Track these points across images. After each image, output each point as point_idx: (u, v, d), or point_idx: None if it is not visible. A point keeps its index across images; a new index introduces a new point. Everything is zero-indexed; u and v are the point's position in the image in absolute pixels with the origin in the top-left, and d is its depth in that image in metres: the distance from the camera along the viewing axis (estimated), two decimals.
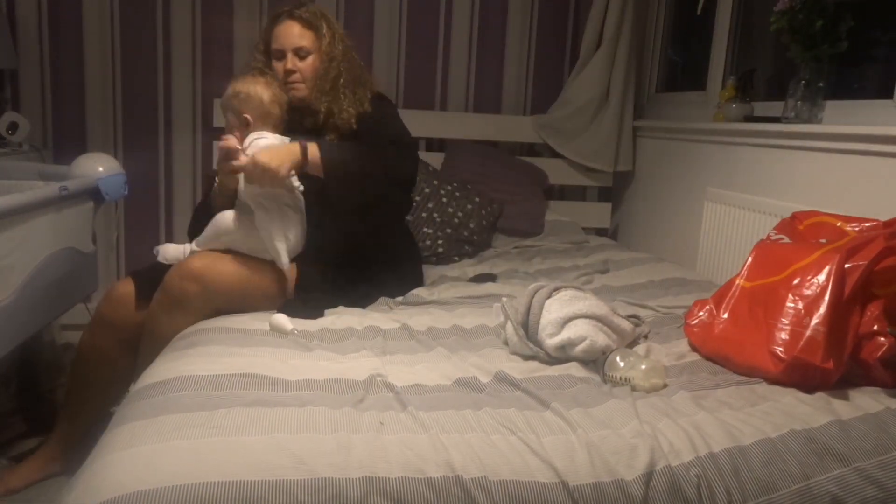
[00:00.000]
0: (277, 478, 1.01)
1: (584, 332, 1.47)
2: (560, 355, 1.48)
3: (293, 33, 1.98)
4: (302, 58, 1.99)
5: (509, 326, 1.56)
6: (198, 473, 1.00)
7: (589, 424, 1.18)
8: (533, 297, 1.57)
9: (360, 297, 1.90)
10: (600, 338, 1.47)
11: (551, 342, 1.48)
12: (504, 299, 1.66)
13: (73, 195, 1.97)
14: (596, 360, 1.47)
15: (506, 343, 1.58)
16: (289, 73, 1.98)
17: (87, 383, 1.90)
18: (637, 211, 3.13)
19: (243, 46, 2.96)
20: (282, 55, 1.99)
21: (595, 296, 1.63)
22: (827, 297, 1.36)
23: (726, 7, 2.66)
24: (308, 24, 1.99)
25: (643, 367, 1.39)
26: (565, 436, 1.14)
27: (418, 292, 2.03)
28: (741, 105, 2.39)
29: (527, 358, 1.52)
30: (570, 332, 1.47)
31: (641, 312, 1.87)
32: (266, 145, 1.78)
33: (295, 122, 2.00)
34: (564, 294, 1.58)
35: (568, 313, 1.50)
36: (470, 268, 2.42)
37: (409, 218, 2.59)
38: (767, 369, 1.38)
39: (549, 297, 1.57)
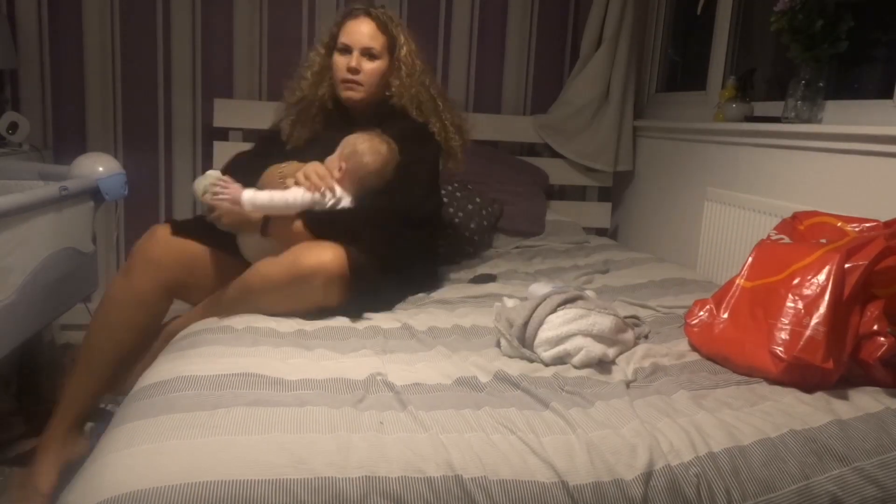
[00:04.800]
0: (277, 477, 1.01)
1: (580, 344, 1.46)
2: (556, 363, 1.48)
3: (365, 32, 1.93)
4: (369, 59, 1.94)
5: (503, 341, 1.55)
6: (198, 473, 1.00)
7: (588, 424, 1.18)
8: (533, 311, 1.52)
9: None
10: (597, 348, 1.47)
11: (546, 354, 1.47)
12: (497, 305, 1.64)
13: (73, 195, 1.98)
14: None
15: (499, 346, 1.57)
16: (353, 71, 1.93)
17: (117, 329, 1.79)
18: (637, 211, 3.13)
19: (243, 45, 2.96)
20: (348, 51, 1.95)
21: (601, 311, 1.55)
22: (827, 297, 1.36)
23: (726, 7, 2.66)
24: (384, 28, 1.94)
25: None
26: (565, 435, 1.14)
27: (418, 294, 2.03)
28: (741, 105, 2.39)
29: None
30: (566, 345, 1.47)
31: (641, 312, 1.87)
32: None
33: (340, 120, 1.99)
34: (568, 314, 1.52)
35: (568, 331, 1.48)
36: (470, 268, 2.42)
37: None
38: (767, 369, 1.38)
39: (552, 312, 1.53)
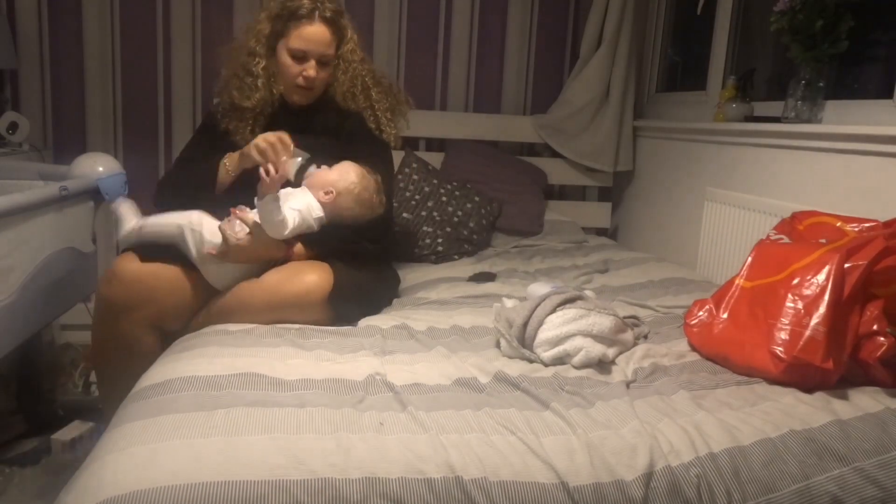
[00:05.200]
0: (277, 478, 1.01)
1: (580, 344, 1.47)
2: (556, 364, 1.48)
3: (322, 40, 1.86)
4: (323, 66, 1.89)
5: (503, 341, 1.55)
6: (197, 473, 1.00)
7: (589, 425, 1.18)
8: (533, 312, 1.53)
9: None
10: (596, 348, 1.47)
11: (546, 355, 1.47)
12: (496, 305, 1.64)
13: (73, 195, 1.97)
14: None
15: (498, 346, 1.57)
16: (310, 80, 1.88)
17: (118, 370, 1.71)
18: (637, 211, 3.13)
19: None
20: (303, 58, 1.87)
21: (601, 311, 1.55)
22: (826, 297, 1.36)
23: (726, 7, 2.66)
24: (336, 29, 1.88)
25: None
26: (565, 436, 1.14)
27: (417, 294, 2.03)
28: (741, 105, 2.39)
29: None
30: (566, 345, 1.47)
31: (641, 312, 1.87)
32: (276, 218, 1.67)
33: (287, 118, 1.91)
34: (567, 314, 1.52)
35: (567, 331, 1.49)
36: (469, 267, 2.42)
37: (408, 216, 2.59)
38: (767, 369, 1.38)
39: (552, 312, 1.53)
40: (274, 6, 1.90)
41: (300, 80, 1.89)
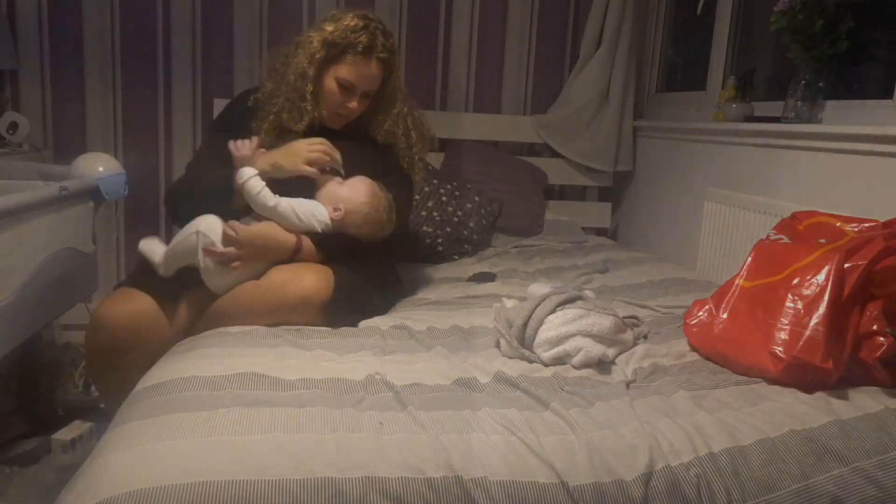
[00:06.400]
0: (277, 477, 1.01)
1: (580, 344, 1.46)
2: (555, 364, 1.48)
3: (373, 76, 1.88)
4: (365, 97, 1.91)
5: (503, 341, 1.55)
6: (197, 473, 1.00)
7: (588, 424, 1.18)
8: (533, 312, 1.52)
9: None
10: (596, 348, 1.47)
11: (546, 355, 1.47)
12: (496, 305, 1.64)
13: (73, 195, 1.97)
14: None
15: (498, 346, 1.57)
16: (349, 110, 1.90)
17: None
18: (637, 211, 3.14)
19: (243, 45, 2.96)
20: (350, 91, 1.88)
21: (601, 311, 1.55)
22: (826, 297, 1.36)
23: (726, 7, 2.66)
24: (388, 67, 1.89)
25: None
26: (565, 436, 1.14)
27: (417, 294, 2.03)
28: (741, 105, 2.39)
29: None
30: (566, 345, 1.47)
31: (641, 312, 1.87)
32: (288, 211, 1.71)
33: (319, 134, 1.90)
34: (567, 314, 1.52)
35: (567, 331, 1.48)
36: (469, 267, 2.42)
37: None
38: (767, 369, 1.39)
39: (551, 312, 1.53)
40: (330, 32, 1.86)
41: (342, 110, 1.91)
